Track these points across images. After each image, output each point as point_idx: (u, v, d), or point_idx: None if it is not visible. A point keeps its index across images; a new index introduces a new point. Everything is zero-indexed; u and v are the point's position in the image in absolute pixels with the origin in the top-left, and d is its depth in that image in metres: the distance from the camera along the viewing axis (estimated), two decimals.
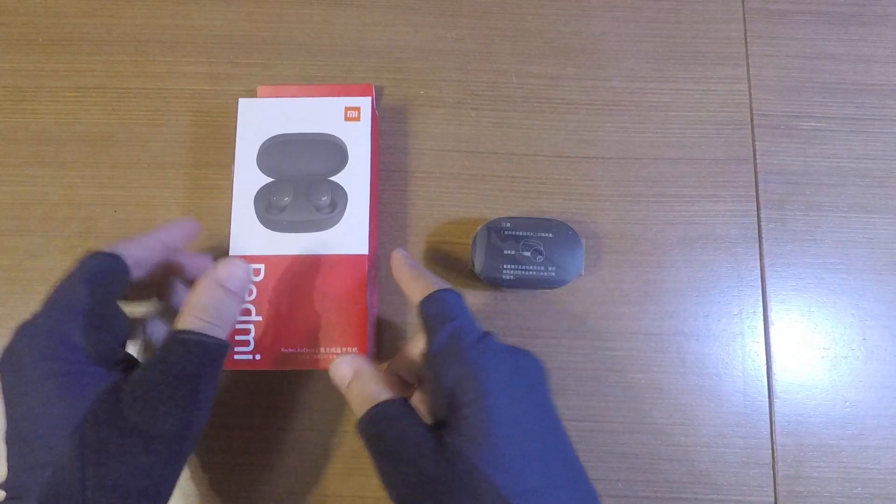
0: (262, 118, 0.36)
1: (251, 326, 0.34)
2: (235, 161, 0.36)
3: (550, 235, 0.35)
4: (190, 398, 0.26)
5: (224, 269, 0.29)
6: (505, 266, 0.35)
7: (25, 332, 0.26)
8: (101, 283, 0.27)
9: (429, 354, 0.28)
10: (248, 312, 0.34)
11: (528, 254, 0.35)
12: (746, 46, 0.42)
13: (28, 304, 0.38)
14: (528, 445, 0.25)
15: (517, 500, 0.23)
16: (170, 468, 0.25)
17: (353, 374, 0.29)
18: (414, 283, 0.31)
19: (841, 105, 0.41)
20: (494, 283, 0.35)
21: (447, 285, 0.31)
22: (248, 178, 0.35)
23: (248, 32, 0.42)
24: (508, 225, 0.35)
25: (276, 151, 0.36)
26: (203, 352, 0.26)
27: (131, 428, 0.24)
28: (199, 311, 0.27)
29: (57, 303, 0.26)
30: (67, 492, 0.23)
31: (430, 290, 0.29)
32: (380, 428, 0.27)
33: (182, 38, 0.42)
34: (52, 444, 0.23)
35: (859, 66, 0.42)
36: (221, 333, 0.27)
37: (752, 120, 0.41)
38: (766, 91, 0.41)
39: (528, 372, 0.28)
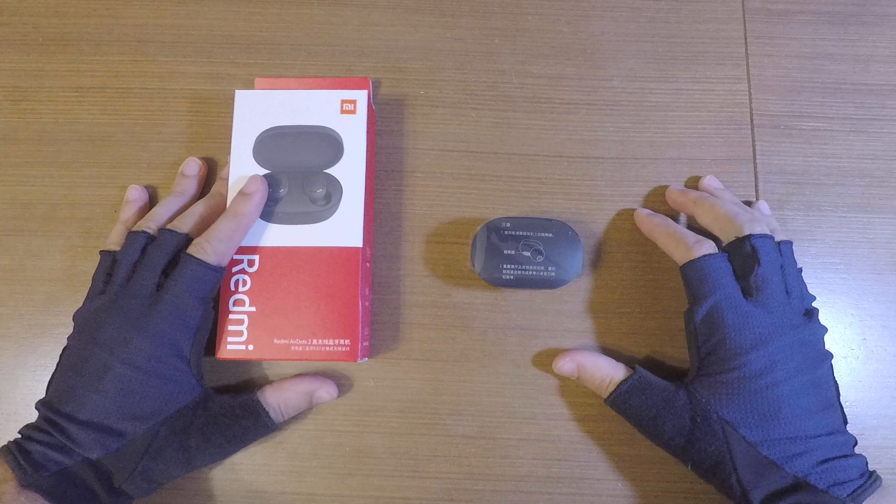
0: (258, 110, 0.36)
1: (244, 317, 0.34)
2: (231, 153, 0.36)
3: (550, 235, 0.35)
4: (228, 452, 0.33)
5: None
6: (505, 266, 0.35)
7: (138, 324, 0.30)
8: (210, 302, 0.32)
9: (688, 314, 0.33)
10: (241, 303, 0.34)
11: (527, 254, 0.35)
12: (746, 46, 0.42)
13: (28, 304, 0.38)
14: (801, 414, 0.30)
15: (763, 447, 0.29)
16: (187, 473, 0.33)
17: (578, 369, 0.35)
18: (672, 243, 0.35)
19: (841, 105, 0.41)
20: (494, 283, 0.35)
21: (708, 247, 0.33)
22: (244, 170, 0.35)
23: (248, 32, 0.42)
24: (508, 225, 0.35)
25: (272, 143, 0.36)
26: (244, 412, 0.32)
27: (185, 448, 0.31)
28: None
29: (173, 312, 0.30)
30: (122, 467, 0.29)
31: (690, 257, 0.33)
32: (629, 403, 0.33)
33: (182, 38, 0.42)
34: (132, 430, 0.29)
35: (859, 66, 0.42)
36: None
37: (752, 120, 0.41)
38: (766, 91, 0.41)
39: (809, 349, 0.32)
